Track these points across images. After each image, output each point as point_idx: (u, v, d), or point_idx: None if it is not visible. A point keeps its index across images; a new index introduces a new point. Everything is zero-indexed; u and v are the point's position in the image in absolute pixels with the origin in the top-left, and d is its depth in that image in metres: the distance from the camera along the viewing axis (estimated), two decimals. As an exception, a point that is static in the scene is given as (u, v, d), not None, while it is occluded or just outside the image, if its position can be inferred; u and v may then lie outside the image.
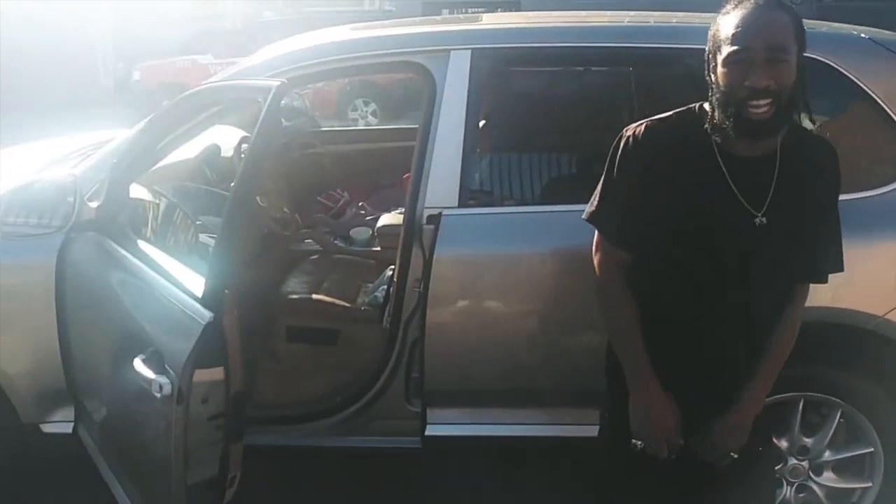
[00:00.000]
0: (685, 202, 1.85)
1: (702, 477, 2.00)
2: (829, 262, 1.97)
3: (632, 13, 3.31)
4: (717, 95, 1.78)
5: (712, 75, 1.80)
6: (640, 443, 1.97)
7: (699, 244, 1.87)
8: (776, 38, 1.73)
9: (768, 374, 1.99)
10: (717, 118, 1.80)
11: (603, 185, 1.97)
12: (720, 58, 1.77)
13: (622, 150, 1.92)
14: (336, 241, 4.01)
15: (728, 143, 1.82)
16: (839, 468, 2.72)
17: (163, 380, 2.05)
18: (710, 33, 1.83)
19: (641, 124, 1.92)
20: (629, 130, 1.93)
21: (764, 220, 1.83)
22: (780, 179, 1.83)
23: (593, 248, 2.02)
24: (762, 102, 1.70)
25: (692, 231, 1.86)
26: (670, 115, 1.92)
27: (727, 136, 1.80)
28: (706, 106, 1.86)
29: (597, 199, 1.99)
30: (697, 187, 1.85)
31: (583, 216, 2.01)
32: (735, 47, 1.73)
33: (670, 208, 1.86)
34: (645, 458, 1.98)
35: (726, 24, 1.77)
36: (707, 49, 1.84)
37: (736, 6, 1.79)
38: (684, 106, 1.95)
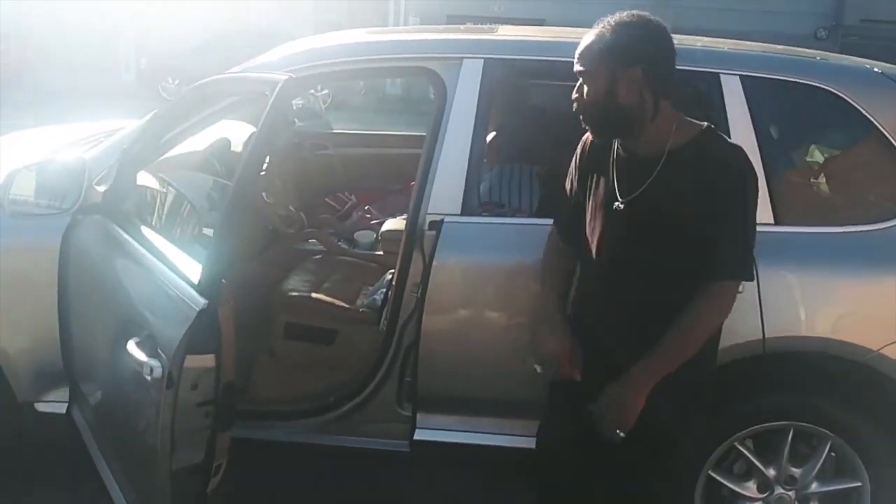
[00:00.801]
0: (587, 188, 2.30)
1: (600, 453, 2.23)
2: (715, 266, 2.10)
3: (680, 36, 3.32)
4: None
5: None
6: (539, 367, 2.35)
7: (588, 223, 2.29)
8: (582, 62, 2.13)
9: (657, 359, 2.10)
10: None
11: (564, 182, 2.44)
12: None
13: (575, 155, 2.40)
14: (340, 243, 4.02)
15: (620, 146, 2.22)
16: (825, 500, 2.71)
17: (154, 363, 2.07)
18: None
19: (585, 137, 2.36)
20: (582, 140, 2.38)
21: (621, 205, 2.14)
22: (656, 180, 2.10)
23: None
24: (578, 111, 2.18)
25: (587, 213, 2.29)
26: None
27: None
28: None
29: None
30: (597, 178, 2.27)
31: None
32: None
33: (581, 194, 2.33)
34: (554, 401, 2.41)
35: None
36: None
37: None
38: None
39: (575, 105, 2.15)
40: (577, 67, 2.12)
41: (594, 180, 2.28)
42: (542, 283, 2.47)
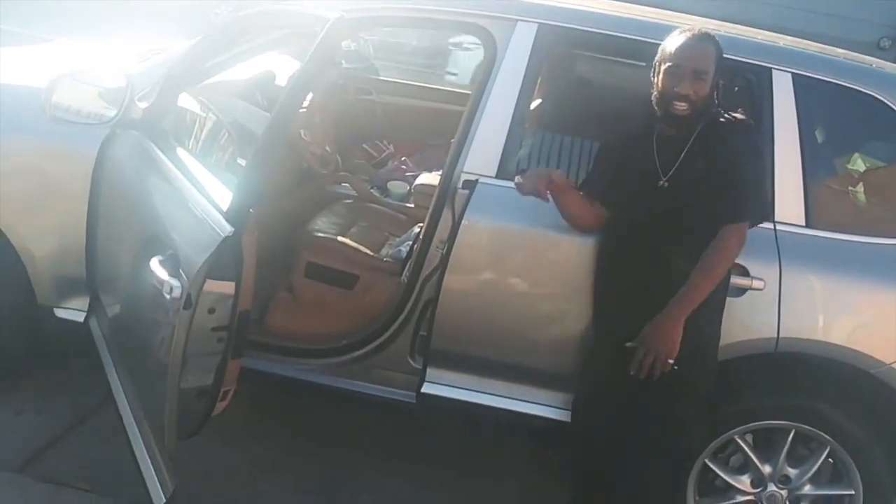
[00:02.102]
0: (627, 166, 2.54)
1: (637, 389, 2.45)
2: (719, 213, 2.41)
3: (715, 22, 3.28)
4: (656, 94, 2.44)
5: (655, 78, 2.45)
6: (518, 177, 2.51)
7: (630, 195, 2.52)
8: (700, 63, 2.38)
9: (685, 292, 2.38)
10: (655, 112, 2.47)
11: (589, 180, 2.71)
12: (662, 67, 2.42)
13: (601, 146, 2.73)
14: (372, 190, 4.03)
15: (661, 128, 2.51)
16: (816, 503, 2.72)
17: (174, 283, 2.10)
18: (660, 48, 2.45)
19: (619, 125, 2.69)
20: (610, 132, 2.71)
21: (666, 183, 2.45)
22: (688, 154, 2.44)
23: None
24: (682, 105, 2.38)
25: (628, 189, 2.52)
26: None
27: (662, 125, 2.49)
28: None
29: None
30: (637, 160, 2.52)
31: None
32: (671, 63, 2.39)
33: (619, 172, 2.57)
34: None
35: (671, 44, 2.43)
36: (656, 59, 2.45)
37: (681, 33, 2.44)
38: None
39: (683, 102, 2.37)
40: (698, 69, 2.37)
41: (630, 159, 2.54)
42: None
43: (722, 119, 2.48)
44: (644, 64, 3.15)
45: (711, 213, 2.41)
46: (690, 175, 2.43)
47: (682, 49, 2.40)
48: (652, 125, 2.53)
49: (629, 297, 2.50)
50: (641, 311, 2.44)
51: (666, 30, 2.80)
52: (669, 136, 2.49)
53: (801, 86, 2.68)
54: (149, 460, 2.34)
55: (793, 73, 2.69)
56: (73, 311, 2.97)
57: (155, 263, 2.20)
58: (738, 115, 2.51)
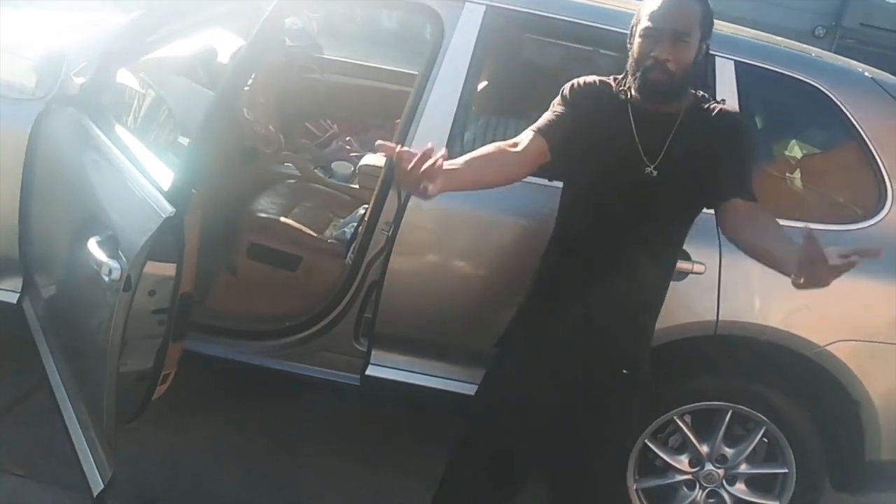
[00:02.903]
0: (597, 141, 2.17)
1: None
2: (736, 187, 2.13)
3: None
4: (631, 60, 2.14)
5: (630, 43, 2.16)
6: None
7: (602, 179, 2.18)
8: (682, 24, 2.06)
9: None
10: (629, 80, 2.17)
11: (540, 120, 2.27)
12: (638, 29, 2.12)
13: (562, 95, 2.26)
14: (316, 171, 3.99)
15: (637, 101, 2.17)
16: (751, 482, 2.80)
17: (113, 264, 2.05)
18: (638, 9, 2.16)
19: (582, 77, 2.28)
20: (573, 80, 2.28)
21: (654, 171, 2.13)
22: (676, 135, 2.14)
23: None
24: (661, 76, 2.07)
25: (597, 166, 2.18)
26: (608, 77, 2.26)
27: (635, 96, 2.16)
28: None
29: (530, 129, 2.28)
30: (608, 131, 2.17)
31: None
32: (649, 24, 2.08)
33: (584, 144, 2.18)
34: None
35: (650, 4, 2.11)
36: (632, 22, 2.17)
37: None
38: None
39: (659, 69, 2.06)
40: (678, 29, 2.05)
41: (601, 133, 2.17)
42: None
43: (711, 103, 2.21)
44: (591, 48, 3.19)
45: (716, 195, 2.13)
46: (684, 162, 2.13)
47: (661, 7, 2.07)
48: (626, 98, 2.18)
49: (587, 291, 2.22)
50: (601, 306, 2.20)
51: (614, 15, 2.83)
52: (649, 112, 2.15)
53: (743, 74, 2.72)
54: (86, 445, 2.29)
55: (735, 61, 2.72)
56: (5, 291, 2.88)
57: (93, 244, 2.15)
58: (721, 102, 2.26)
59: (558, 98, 2.26)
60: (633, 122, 2.16)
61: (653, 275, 2.24)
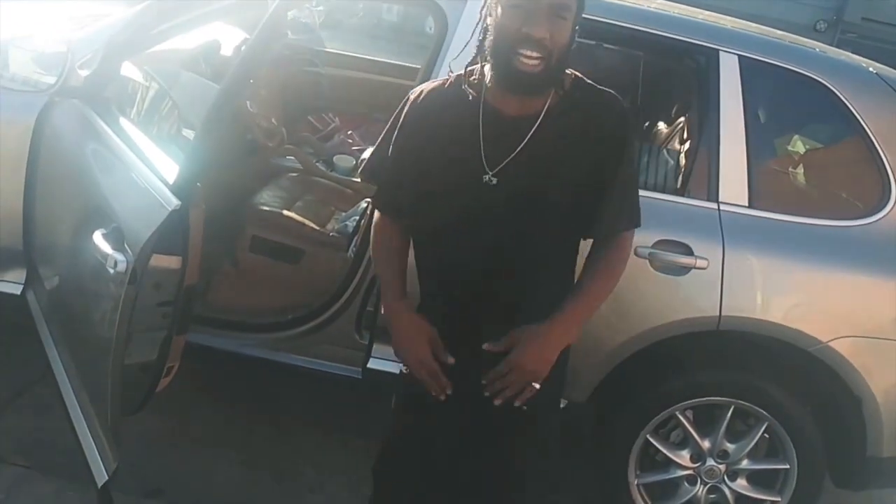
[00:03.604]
0: (438, 158, 1.87)
1: (487, 428, 2.00)
2: (614, 218, 1.90)
3: (659, 1, 3.31)
4: (492, 39, 1.74)
5: (490, 18, 1.76)
6: (404, 367, 2.02)
7: (443, 200, 1.89)
8: None
9: (577, 305, 1.90)
10: (485, 67, 1.80)
11: (379, 141, 2.01)
12: (504, 0, 1.72)
13: (399, 113, 1.95)
14: (318, 164, 3.99)
15: (494, 98, 1.81)
16: (753, 478, 2.80)
17: (119, 257, 2.05)
18: None
19: (422, 87, 1.96)
20: (411, 93, 1.96)
21: (493, 179, 1.81)
22: (533, 141, 1.79)
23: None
24: (533, 54, 1.68)
25: (439, 185, 1.88)
26: (451, 77, 1.91)
27: (492, 89, 1.80)
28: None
29: (370, 154, 2.07)
30: (451, 144, 1.85)
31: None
32: None
33: (425, 165, 1.89)
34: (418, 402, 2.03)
35: None
36: None
37: None
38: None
39: (533, 48, 1.69)
40: (557, 2, 1.70)
41: (443, 145, 1.87)
42: (381, 268, 2.10)
43: (580, 86, 1.87)
44: (594, 42, 3.19)
45: (585, 218, 1.88)
46: (536, 171, 1.82)
47: None
48: (477, 94, 1.84)
49: (476, 328, 1.95)
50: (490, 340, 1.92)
51: (617, 9, 2.83)
52: (503, 112, 1.82)
53: (747, 68, 2.71)
54: (90, 437, 2.29)
55: (739, 56, 2.72)
56: (9, 283, 2.88)
57: (98, 236, 2.15)
58: (589, 81, 1.88)
59: (390, 127, 1.97)
60: (481, 124, 1.82)
61: (542, 299, 1.92)
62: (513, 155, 1.80)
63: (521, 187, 1.81)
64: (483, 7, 1.79)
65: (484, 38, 1.78)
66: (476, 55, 1.84)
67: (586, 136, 1.83)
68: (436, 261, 1.99)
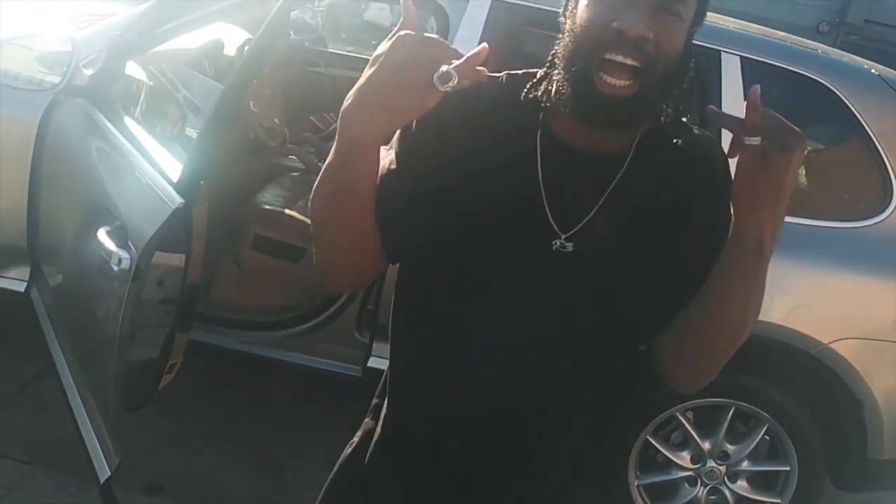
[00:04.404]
0: (471, 198, 1.18)
1: None
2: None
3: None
4: (566, 42, 1.14)
5: (567, 15, 1.17)
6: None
7: (473, 264, 1.20)
8: None
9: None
10: (553, 82, 1.16)
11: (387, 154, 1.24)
12: None
13: (403, 135, 1.24)
14: (319, 163, 3.99)
15: (561, 126, 1.18)
16: (753, 479, 2.81)
17: (123, 254, 2.06)
18: None
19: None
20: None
21: (569, 245, 1.17)
22: (619, 190, 1.18)
23: None
24: (628, 61, 1.07)
25: (469, 240, 1.19)
26: (501, 76, 1.25)
27: (560, 114, 1.16)
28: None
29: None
30: (494, 183, 1.18)
31: None
32: None
33: (450, 201, 1.18)
34: None
35: None
36: None
37: None
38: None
39: (630, 53, 1.07)
40: None
41: (485, 172, 1.18)
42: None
43: (678, 127, 1.21)
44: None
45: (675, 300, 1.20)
46: (630, 233, 1.19)
47: None
48: (538, 118, 1.19)
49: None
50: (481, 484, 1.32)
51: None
52: (576, 146, 1.18)
53: (749, 70, 2.72)
54: (93, 433, 2.30)
55: (741, 57, 2.73)
56: (12, 280, 2.89)
57: (102, 234, 2.15)
58: (689, 123, 1.24)
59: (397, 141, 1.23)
60: (540, 162, 1.18)
61: (577, 432, 1.34)
62: (593, 212, 1.18)
63: (612, 258, 1.19)
64: (562, 7, 1.19)
65: (558, 42, 1.17)
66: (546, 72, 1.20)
67: (685, 189, 1.21)
68: (437, 355, 1.27)
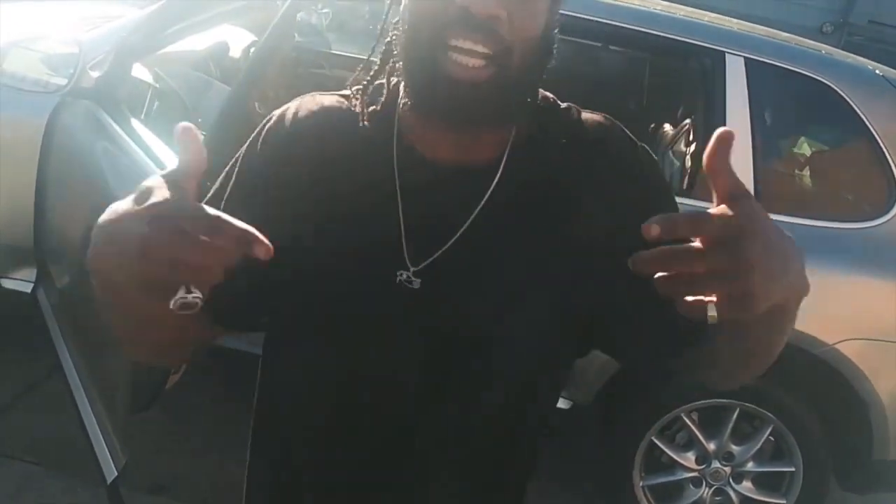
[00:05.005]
0: (313, 225, 1.00)
1: None
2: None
3: (664, 3, 3.32)
4: (403, 28, 0.94)
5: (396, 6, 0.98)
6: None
7: (315, 303, 1.02)
8: None
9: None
10: (399, 82, 0.99)
11: (216, 187, 1.08)
12: None
13: (258, 138, 1.08)
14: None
15: (417, 136, 1.00)
16: (758, 480, 2.81)
17: (130, 256, 2.06)
18: None
19: (294, 105, 1.08)
20: (273, 115, 1.09)
21: (415, 280, 0.97)
22: (487, 212, 0.98)
23: None
24: (478, 48, 0.88)
25: (310, 273, 1.00)
26: (351, 91, 1.05)
27: (413, 121, 1.00)
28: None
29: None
30: (342, 204, 0.99)
31: None
32: None
33: (288, 233, 0.92)
34: None
35: None
36: None
37: None
38: None
39: (477, 35, 0.88)
40: None
41: (327, 204, 1.00)
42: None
43: (553, 110, 1.03)
44: (601, 45, 3.21)
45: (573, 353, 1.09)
46: (505, 257, 0.99)
47: None
48: (387, 127, 1.02)
49: None
50: None
51: (622, 11, 2.84)
52: (429, 152, 1.00)
53: (753, 70, 2.72)
54: (100, 434, 2.30)
55: (745, 58, 2.73)
56: (19, 281, 2.90)
57: (109, 236, 2.16)
58: (575, 107, 1.05)
59: (240, 163, 1.08)
60: (397, 177, 0.99)
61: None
62: (455, 238, 0.97)
63: (467, 298, 0.99)
64: None
65: (398, 35, 0.96)
66: (379, 66, 1.04)
67: (586, 197, 0.99)
68: (292, 409, 1.15)
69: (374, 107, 1.01)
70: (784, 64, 2.77)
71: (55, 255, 2.79)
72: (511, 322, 0.98)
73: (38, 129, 2.73)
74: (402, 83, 0.97)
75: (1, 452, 2.70)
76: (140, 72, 2.89)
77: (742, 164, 2.65)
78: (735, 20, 3.25)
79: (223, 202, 1.02)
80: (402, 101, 0.97)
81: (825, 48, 3.17)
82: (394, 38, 0.97)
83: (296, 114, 1.05)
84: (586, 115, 1.04)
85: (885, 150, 2.67)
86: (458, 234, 0.97)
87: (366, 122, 1.01)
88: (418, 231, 0.98)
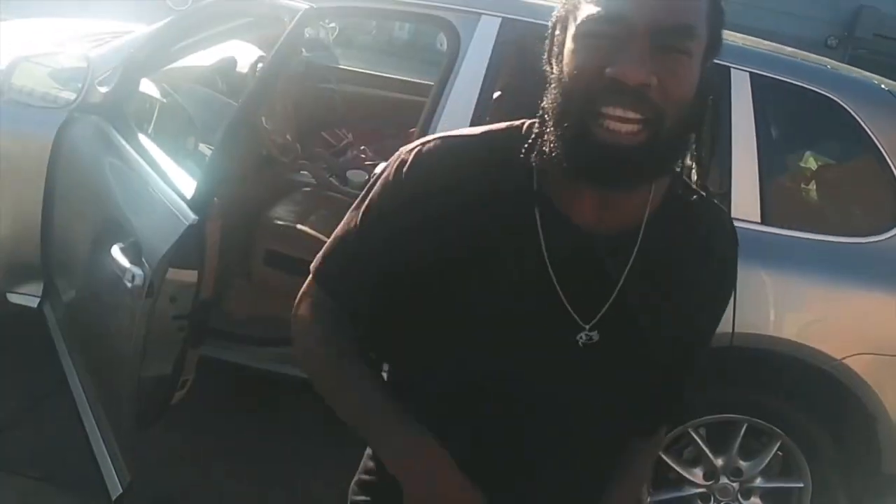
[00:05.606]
0: (469, 290, 1.06)
1: None
2: (675, 401, 1.28)
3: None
4: (554, 95, 1.00)
5: (553, 62, 1.05)
6: None
7: (481, 365, 1.08)
8: (676, 14, 0.95)
9: None
10: (545, 141, 1.01)
11: (344, 230, 1.17)
12: (571, 29, 0.99)
13: (392, 184, 1.10)
14: (331, 179, 4.02)
15: (561, 195, 1.05)
16: (767, 496, 2.80)
17: (136, 271, 2.08)
18: None
19: (432, 142, 1.10)
20: (412, 152, 1.10)
21: (594, 334, 1.07)
22: (637, 270, 1.07)
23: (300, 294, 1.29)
24: (629, 114, 0.93)
25: (473, 341, 1.07)
26: (481, 134, 1.13)
27: (557, 179, 1.04)
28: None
29: (331, 248, 1.21)
30: (497, 270, 1.05)
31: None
32: (599, 10, 0.95)
33: (445, 296, 1.07)
34: None
35: None
36: (554, 17, 1.07)
37: None
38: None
39: (627, 103, 0.93)
40: (666, 24, 0.94)
41: (469, 270, 1.06)
42: (352, 393, 1.24)
43: (688, 192, 1.15)
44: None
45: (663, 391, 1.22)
46: (650, 310, 1.11)
47: None
48: (531, 183, 1.07)
49: None
50: None
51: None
52: (570, 210, 1.06)
53: (759, 85, 2.73)
54: (105, 450, 2.31)
55: (751, 73, 2.74)
56: (26, 296, 2.91)
57: (116, 250, 2.17)
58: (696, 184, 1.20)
59: (375, 208, 1.12)
60: (543, 241, 1.05)
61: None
62: (614, 296, 1.06)
63: (629, 348, 1.11)
64: (546, 52, 1.08)
65: (546, 95, 1.03)
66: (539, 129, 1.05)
67: (698, 263, 1.14)
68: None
69: (528, 155, 1.06)
70: (789, 79, 2.77)
71: (62, 269, 2.81)
72: (671, 354, 1.16)
73: (46, 143, 2.75)
74: (548, 144, 1.00)
75: (6, 467, 2.69)
76: (148, 87, 2.91)
77: (748, 178, 2.65)
78: (740, 34, 3.25)
79: (366, 238, 1.12)
80: (545, 155, 1.01)
81: (830, 63, 3.18)
82: (544, 103, 1.03)
83: (439, 148, 1.09)
84: (708, 199, 1.18)
85: (891, 164, 2.66)
86: (616, 293, 1.07)
87: (529, 166, 1.06)
88: (575, 298, 1.06)
